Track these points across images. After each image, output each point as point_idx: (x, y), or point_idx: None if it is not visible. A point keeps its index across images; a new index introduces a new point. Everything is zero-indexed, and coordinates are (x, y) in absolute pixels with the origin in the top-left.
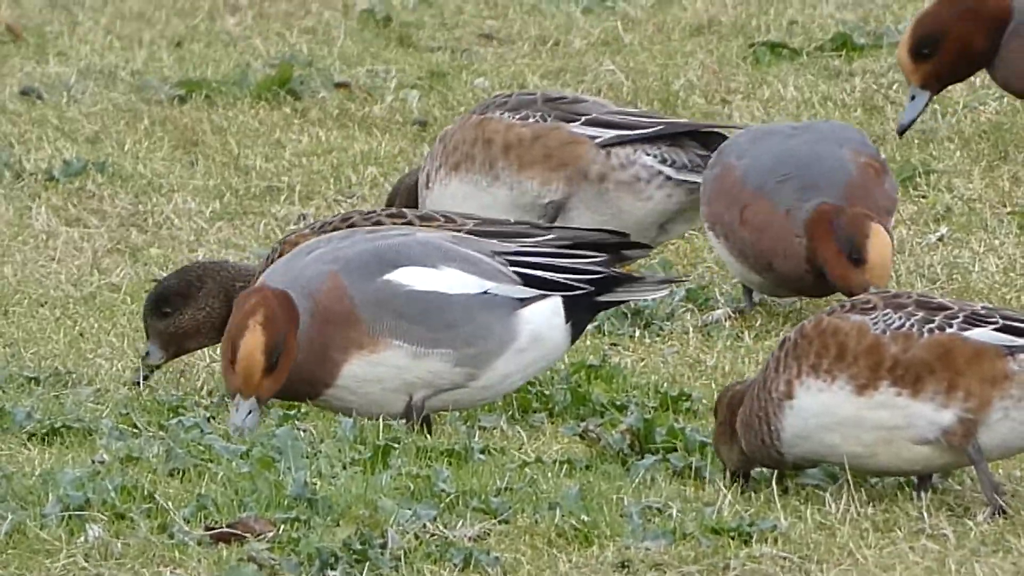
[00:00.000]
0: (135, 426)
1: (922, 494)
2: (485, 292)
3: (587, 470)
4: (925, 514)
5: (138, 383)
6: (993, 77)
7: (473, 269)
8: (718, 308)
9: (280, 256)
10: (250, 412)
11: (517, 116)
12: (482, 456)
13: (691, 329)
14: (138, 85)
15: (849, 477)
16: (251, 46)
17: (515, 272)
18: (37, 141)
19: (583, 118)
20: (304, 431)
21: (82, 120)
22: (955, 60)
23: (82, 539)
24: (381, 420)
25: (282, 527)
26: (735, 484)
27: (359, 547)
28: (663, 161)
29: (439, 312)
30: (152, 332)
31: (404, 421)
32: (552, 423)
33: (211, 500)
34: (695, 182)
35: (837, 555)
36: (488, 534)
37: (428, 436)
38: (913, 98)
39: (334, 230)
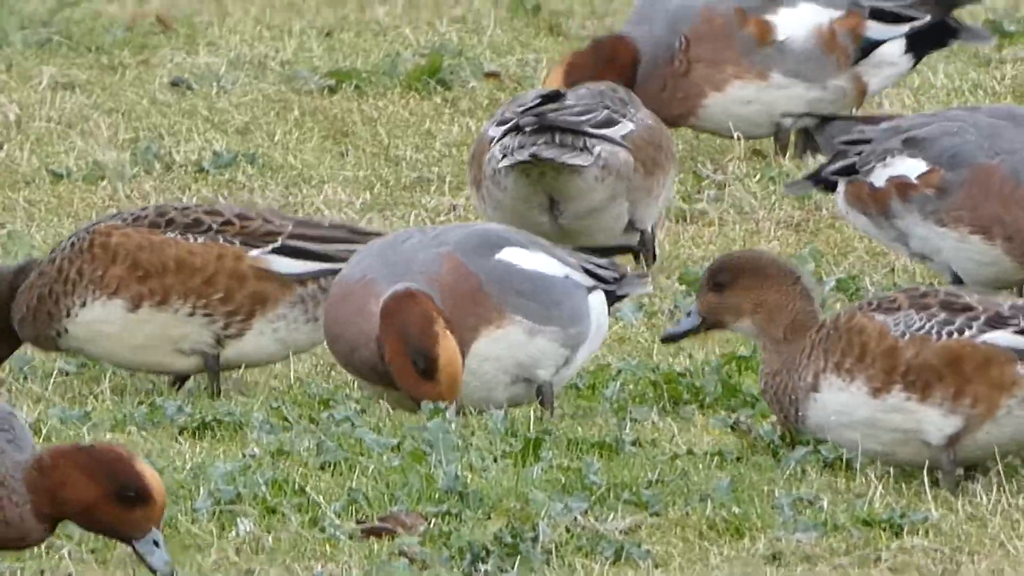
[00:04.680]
0: (286, 419)
1: None
2: (567, 276)
3: (738, 462)
4: None
5: None
6: None
7: (554, 254)
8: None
9: (92, 245)
10: (453, 416)
11: (490, 123)
12: (633, 448)
13: None
14: (288, 75)
15: (1000, 468)
16: (401, 35)
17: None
18: (187, 132)
19: (497, 116)
20: (454, 424)
21: (232, 111)
22: None
23: (233, 533)
24: (532, 412)
25: (433, 521)
26: None
27: (510, 540)
28: (503, 149)
29: (547, 290)
30: None
31: (540, 404)
32: (703, 415)
33: (362, 494)
34: (518, 162)
35: (989, 546)
36: (639, 527)
37: (548, 414)
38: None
39: (150, 224)
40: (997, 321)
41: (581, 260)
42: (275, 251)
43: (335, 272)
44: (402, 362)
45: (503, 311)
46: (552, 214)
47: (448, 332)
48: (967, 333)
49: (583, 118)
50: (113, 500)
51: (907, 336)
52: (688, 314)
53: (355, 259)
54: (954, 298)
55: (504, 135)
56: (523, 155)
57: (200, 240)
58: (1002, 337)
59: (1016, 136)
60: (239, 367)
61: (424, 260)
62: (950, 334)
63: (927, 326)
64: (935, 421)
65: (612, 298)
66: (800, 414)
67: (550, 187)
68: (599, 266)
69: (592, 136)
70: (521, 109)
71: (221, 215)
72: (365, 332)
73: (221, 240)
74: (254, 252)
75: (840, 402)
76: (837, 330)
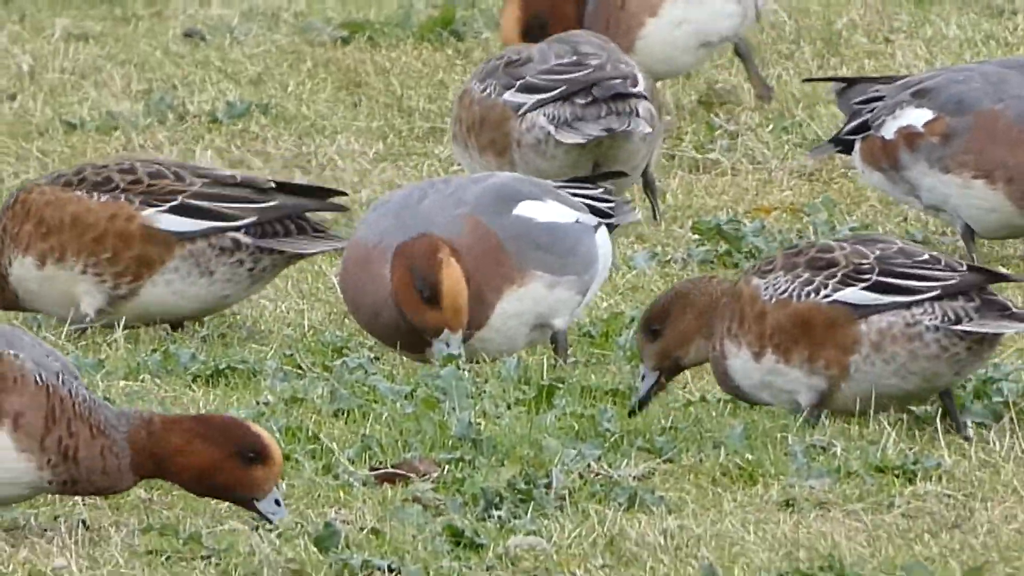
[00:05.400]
0: (299, 367)
1: None
2: (577, 221)
3: (751, 409)
4: None
5: None
6: None
7: (564, 200)
8: None
9: (15, 202)
10: (460, 345)
11: (482, 86)
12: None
13: None
14: (301, 27)
15: (1013, 414)
16: None
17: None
18: (200, 83)
19: (519, 82)
20: (468, 371)
21: (245, 62)
22: (557, 26)
23: None
24: (545, 360)
25: (446, 467)
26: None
27: (523, 487)
28: (551, 120)
29: (562, 240)
30: None
31: (554, 352)
32: None
33: (375, 441)
34: (574, 143)
35: (1001, 492)
36: (652, 473)
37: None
38: None
39: (66, 183)
40: (852, 277)
41: (582, 196)
42: (171, 209)
43: (224, 230)
44: (407, 292)
45: (524, 268)
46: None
47: (453, 261)
48: (822, 293)
49: (628, 81)
50: (236, 463)
51: (773, 300)
52: (642, 378)
53: (371, 219)
54: (823, 254)
55: (539, 104)
56: (596, 130)
57: (104, 198)
58: (851, 294)
59: (1022, 82)
60: (146, 322)
61: (443, 223)
62: (807, 295)
63: (790, 288)
64: (803, 382)
65: (610, 228)
66: (735, 384)
67: (603, 154)
68: (598, 199)
69: (637, 97)
70: (556, 75)
71: (134, 173)
72: (385, 297)
73: (123, 198)
74: (147, 211)
75: (739, 367)
76: (729, 297)
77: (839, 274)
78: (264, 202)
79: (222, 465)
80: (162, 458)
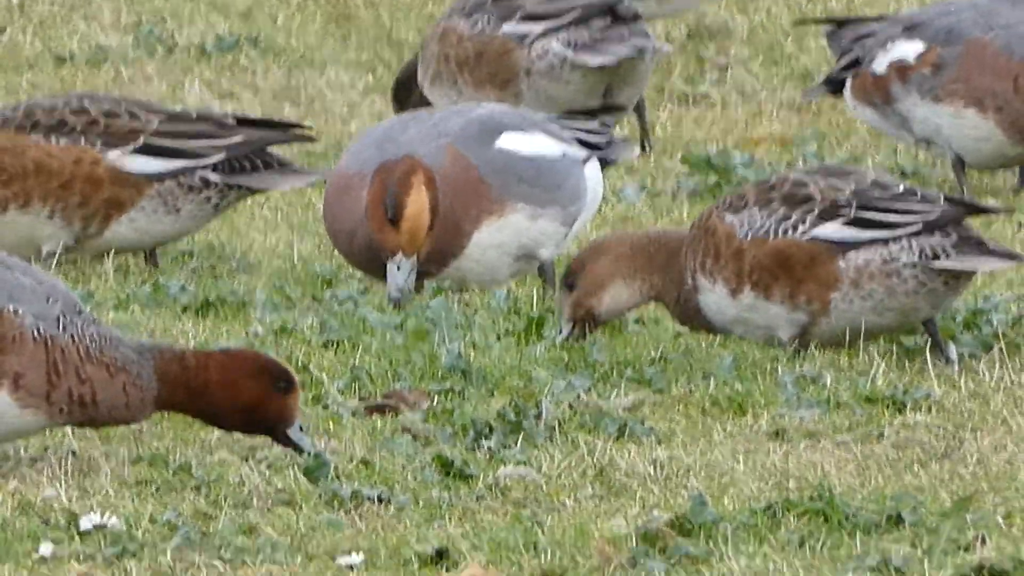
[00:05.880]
0: (289, 298)
1: None
2: (564, 154)
3: (741, 339)
4: None
5: None
6: None
7: (549, 130)
8: None
9: None
10: (411, 272)
11: (470, 21)
12: (636, 326)
13: None
14: None
15: (1003, 345)
16: None
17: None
18: (190, 16)
19: (519, 13)
20: (458, 302)
21: None
22: None
23: None
24: (535, 291)
25: (436, 398)
26: (573, 334)
27: (513, 418)
28: (568, 45)
29: (548, 173)
30: None
31: (543, 283)
32: None
33: (365, 372)
34: (601, 64)
35: (991, 423)
36: (642, 404)
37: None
38: None
39: (17, 127)
40: (831, 212)
41: (573, 129)
42: (136, 151)
43: (193, 169)
44: (376, 207)
45: (504, 200)
46: (604, 99)
47: (425, 188)
48: (800, 229)
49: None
50: (274, 393)
51: (749, 237)
52: (559, 331)
53: (354, 148)
54: (798, 188)
55: (550, 30)
56: (625, 51)
57: (63, 142)
58: (831, 230)
59: (1012, 14)
60: (104, 252)
61: (425, 154)
62: (785, 231)
63: (766, 224)
64: (784, 317)
65: (604, 163)
66: (708, 320)
67: (619, 76)
68: (590, 132)
69: (639, 19)
70: (561, 2)
71: (87, 114)
72: (360, 221)
73: (83, 141)
74: (113, 154)
75: (713, 301)
76: (698, 230)
77: (816, 209)
78: (229, 137)
79: (266, 398)
80: (198, 392)
